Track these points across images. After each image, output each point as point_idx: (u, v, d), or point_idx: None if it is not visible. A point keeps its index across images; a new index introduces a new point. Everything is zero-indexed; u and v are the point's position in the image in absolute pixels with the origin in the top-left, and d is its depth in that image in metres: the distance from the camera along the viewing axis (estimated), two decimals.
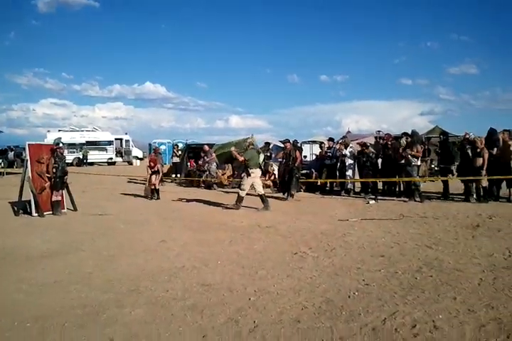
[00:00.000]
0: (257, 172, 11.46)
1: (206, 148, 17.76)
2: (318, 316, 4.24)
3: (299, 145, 18.24)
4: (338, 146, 14.71)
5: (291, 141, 14.41)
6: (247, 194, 11.48)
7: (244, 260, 6.33)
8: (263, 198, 11.28)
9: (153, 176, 13.97)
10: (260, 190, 11.38)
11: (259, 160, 12.58)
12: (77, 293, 5.00)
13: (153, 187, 13.88)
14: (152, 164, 14.27)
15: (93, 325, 4.12)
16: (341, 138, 17.15)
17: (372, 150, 13.92)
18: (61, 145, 14.61)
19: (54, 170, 10.72)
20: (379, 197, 12.85)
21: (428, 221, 9.25)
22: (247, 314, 4.31)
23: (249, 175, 11.31)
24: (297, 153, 13.68)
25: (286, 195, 13.39)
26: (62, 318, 4.27)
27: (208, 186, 17.02)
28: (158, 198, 13.74)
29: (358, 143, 14.82)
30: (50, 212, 10.66)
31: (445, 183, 12.79)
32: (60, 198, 10.90)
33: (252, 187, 11.48)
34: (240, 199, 11.33)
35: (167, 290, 5.05)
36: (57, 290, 5.12)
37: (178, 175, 20.20)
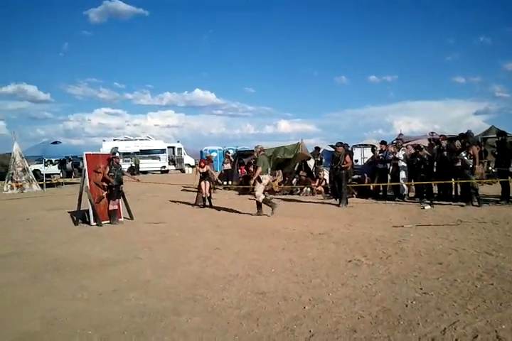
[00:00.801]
0: (266, 178, 11.95)
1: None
2: (375, 326, 4.17)
3: (349, 149, 18.06)
4: (391, 149, 14.39)
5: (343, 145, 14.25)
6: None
7: (298, 268, 6.31)
8: (260, 204, 11.71)
9: (203, 183, 13.83)
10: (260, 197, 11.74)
11: (269, 166, 12.87)
12: (135, 301, 5.13)
13: (204, 195, 13.91)
14: (202, 164, 14.31)
15: (152, 333, 4.21)
16: (394, 141, 16.84)
17: (427, 152, 13.54)
18: (117, 154, 15.01)
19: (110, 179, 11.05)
20: (434, 202, 12.50)
21: (487, 226, 8.93)
22: (302, 323, 4.29)
23: (260, 181, 11.65)
24: (347, 157, 13.46)
25: (338, 201, 13.25)
26: (121, 326, 4.39)
27: None
28: (210, 206, 13.76)
29: (411, 146, 14.50)
30: (108, 221, 10.98)
31: (504, 186, 12.27)
32: (116, 207, 11.22)
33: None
34: (259, 205, 11.70)
35: (222, 299, 5.10)
36: (117, 298, 5.26)
37: (230, 182, 20.36)
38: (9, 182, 22.16)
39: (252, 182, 12.05)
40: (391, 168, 14.20)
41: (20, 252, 7.91)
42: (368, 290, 5.19)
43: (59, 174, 31.84)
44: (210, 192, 14.09)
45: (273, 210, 11.41)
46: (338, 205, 12.98)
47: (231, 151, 25.36)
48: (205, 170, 14.10)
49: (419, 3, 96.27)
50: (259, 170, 11.60)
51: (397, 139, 17.98)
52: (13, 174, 22.25)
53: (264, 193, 12.14)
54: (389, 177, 14.36)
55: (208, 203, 13.89)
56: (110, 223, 10.92)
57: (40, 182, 23.12)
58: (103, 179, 11.09)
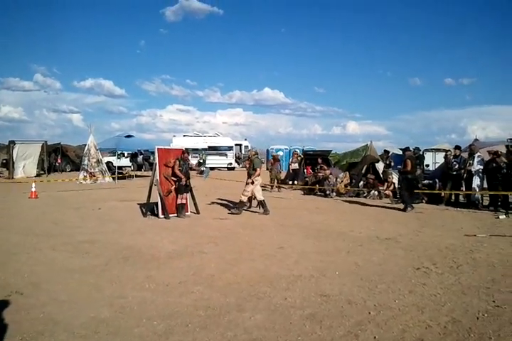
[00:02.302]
0: (259, 180, 12.17)
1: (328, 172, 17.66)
2: (443, 337, 4.02)
3: (420, 153, 17.52)
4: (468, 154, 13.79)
5: (411, 149, 13.87)
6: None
7: (363, 272, 6.19)
8: (263, 204, 12.03)
9: (249, 186, 12.10)
10: (260, 197, 12.08)
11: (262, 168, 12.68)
12: (200, 295, 5.22)
13: (261, 198, 12.32)
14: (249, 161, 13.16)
15: (215, 327, 4.25)
16: (468, 146, 16.15)
17: (504, 159, 12.87)
18: None
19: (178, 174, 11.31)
20: (510, 212, 11.89)
21: None
22: (366, 328, 4.20)
23: (253, 183, 11.86)
24: (407, 161, 13.04)
25: (403, 205, 12.91)
26: (186, 318, 4.47)
27: (325, 194, 16.90)
28: (265, 211, 12.12)
29: (488, 152, 13.84)
30: (175, 215, 11.24)
31: None
32: (184, 201, 11.45)
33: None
34: (241, 204, 12.03)
35: (285, 298, 5.08)
36: (182, 291, 5.37)
37: (296, 182, 20.29)
38: (83, 172, 23.15)
39: (250, 181, 11.92)
40: (465, 174, 13.62)
41: (93, 240, 8.24)
42: (436, 300, 5.02)
43: (130, 167, 32.90)
44: (252, 193, 12.57)
45: (264, 212, 11.86)
46: (403, 210, 12.64)
47: (298, 151, 25.16)
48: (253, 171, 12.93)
49: (495, 3, 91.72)
50: (258, 171, 11.89)
51: (471, 144, 17.23)
52: (87, 165, 23.22)
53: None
54: (463, 183, 13.77)
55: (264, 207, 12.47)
56: (178, 216, 11.17)
57: (113, 175, 24.01)
58: (173, 173, 11.35)
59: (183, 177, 11.24)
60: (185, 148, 13.14)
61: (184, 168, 11.40)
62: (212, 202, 14.05)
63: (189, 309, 4.74)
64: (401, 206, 13.23)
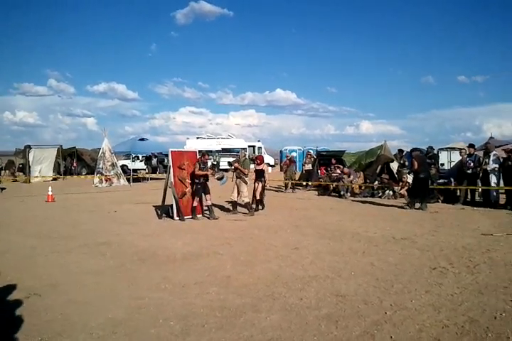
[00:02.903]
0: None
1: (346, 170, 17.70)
2: (460, 336, 4.00)
3: (434, 152, 17.41)
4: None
5: (420, 150, 13.90)
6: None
7: (379, 272, 6.17)
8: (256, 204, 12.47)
9: (256, 184, 13.00)
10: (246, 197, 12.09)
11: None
12: (216, 295, 5.24)
13: (258, 197, 12.98)
14: (259, 161, 13.44)
15: (231, 327, 4.27)
16: (484, 145, 15.99)
17: None
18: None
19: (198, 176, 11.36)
20: None
21: None
22: (383, 328, 4.18)
23: (246, 182, 12.05)
24: (413, 160, 12.96)
25: (408, 204, 13.00)
26: (202, 319, 4.50)
27: (340, 194, 16.84)
28: (262, 208, 12.99)
29: (503, 150, 13.70)
30: (190, 216, 11.28)
31: None
32: (209, 203, 11.43)
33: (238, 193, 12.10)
34: (249, 205, 12.08)
35: (301, 298, 5.08)
36: (198, 292, 5.39)
37: (309, 183, 20.25)
38: (99, 175, 23.35)
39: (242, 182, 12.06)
40: (481, 173, 13.48)
41: (109, 242, 8.32)
42: (453, 299, 4.98)
43: (145, 169, 33.09)
44: (261, 195, 13.11)
45: (248, 213, 11.84)
46: (407, 208, 12.85)
47: (311, 151, 25.11)
48: (260, 167, 13.27)
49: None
50: (247, 171, 12.09)
51: (486, 143, 17.05)
52: (102, 168, 23.42)
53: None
54: (478, 182, 13.63)
55: (260, 207, 13.07)
56: (192, 218, 11.22)
57: (128, 177, 24.18)
58: (192, 176, 11.39)
59: (209, 173, 11.56)
60: (203, 150, 13.27)
61: (204, 170, 11.43)
62: (227, 203, 14.06)
63: (205, 310, 4.76)
64: (416, 205, 13.15)
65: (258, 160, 13.63)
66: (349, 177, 17.30)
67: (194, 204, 11.36)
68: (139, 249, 7.73)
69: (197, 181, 11.30)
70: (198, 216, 11.47)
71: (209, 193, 11.47)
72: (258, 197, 12.93)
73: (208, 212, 11.57)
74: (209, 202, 11.43)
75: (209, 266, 6.60)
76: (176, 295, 5.29)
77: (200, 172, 11.22)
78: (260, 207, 13.07)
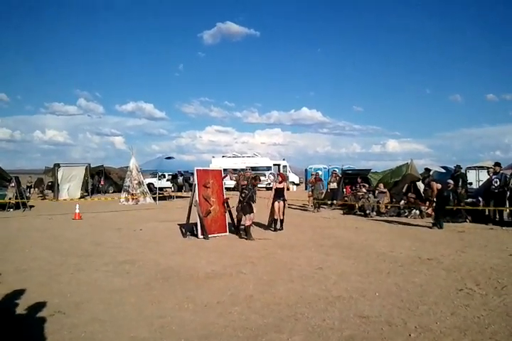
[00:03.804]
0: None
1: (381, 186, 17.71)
2: None
3: (462, 170, 17.18)
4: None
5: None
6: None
7: (404, 293, 6.07)
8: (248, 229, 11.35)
9: (276, 203, 12.51)
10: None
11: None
12: (238, 315, 5.22)
13: (276, 217, 12.56)
14: (281, 178, 12.93)
15: None
16: None
17: None
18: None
19: (243, 195, 11.45)
20: None
21: None
22: None
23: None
24: (432, 184, 13.10)
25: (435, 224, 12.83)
26: (224, 339, 4.49)
27: (365, 213, 16.67)
28: (281, 228, 12.54)
29: None
30: (214, 235, 11.30)
31: None
32: (250, 222, 11.35)
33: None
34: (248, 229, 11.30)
35: (324, 319, 5.03)
36: (220, 311, 5.38)
37: (335, 202, 20.12)
38: (125, 194, 23.65)
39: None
40: (508, 191, 13.22)
41: (134, 260, 8.38)
42: (480, 322, 4.87)
43: (171, 188, 33.37)
44: (283, 214, 12.67)
45: (244, 235, 11.26)
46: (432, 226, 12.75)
47: (337, 170, 24.98)
48: (281, 186, 12.71)
49: None
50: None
51: None
52: (129, 186, 23.74)
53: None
54: (506, 202, 13.36)
55: (278, 226, 12.66)
56: (246, 239, 11.01)
57: (154, 195, 24.42)
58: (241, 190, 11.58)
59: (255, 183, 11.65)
60: (236, 169, 13.41)
61: (250, 193, 11.44)
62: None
63: (227, 329, 4.74)
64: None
65: (281, 177, 13.17)
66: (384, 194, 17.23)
67: (247, 224, 11.22)
68: (162, 268, 7.77)
69: (241, 199, 11.39)
70: (225, 234, 11.51)
71: (250, 212, 11.37)
72: (282, 217, 12.63)
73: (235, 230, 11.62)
74: (248, 222, 11.26)
75: (232, 285, 6.59)
76: (199, 314, 5.29)
77: (242, 183, 11.59)
78: (279, 226, 12.66)
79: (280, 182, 12.80)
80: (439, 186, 12.88)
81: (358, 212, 17.28)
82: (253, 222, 11.89)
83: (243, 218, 11.29)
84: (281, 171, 41.09)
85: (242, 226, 11.52)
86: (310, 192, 20.04)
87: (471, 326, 4.73)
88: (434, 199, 13.02)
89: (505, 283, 6.47)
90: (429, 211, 15.25)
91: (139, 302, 5.76)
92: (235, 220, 11.98)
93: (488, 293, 6.02)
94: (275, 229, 12.55)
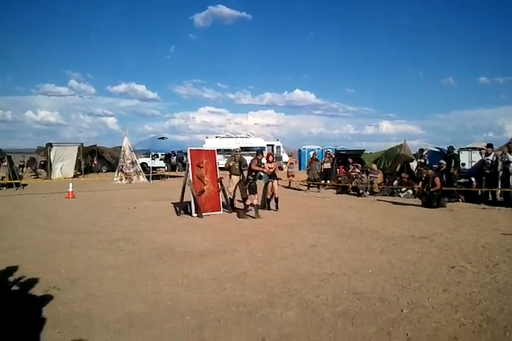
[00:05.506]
0: (236, 179, 12.74)
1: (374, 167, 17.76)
2: (477, 335, 3.96)
3: (455, 151, 17.23)
4: (501, 152, 13.48)
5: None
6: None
7: (397, 270, 6.12)
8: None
9: (270, 184, 12.47)
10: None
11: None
12: (232, 291, 5.26)
13: (268, 196, 12.66)
14: (271, 158, 12.45)
15: (247, 323, 4.29)
16: (505, 145, 15.73)
17: None
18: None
19: (253, 174, 11.55)
20: None
21: None
22: (399, 326, 4.16)
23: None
24: (436, 179, 13.28)
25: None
26: (218, 314, 4.52)
27: (359, 193, 16.73)
28: (276, 209, 12.40)
29: None
30: (208, 213, 11.33)
31: None
32: (256, 202, 11.29)
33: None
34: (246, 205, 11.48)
35: (317, 295, 5.07)
36: (214, 287, 5.42)
37: (328, 181, 20.16)
38: (119, 173, 23.62)
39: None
40: (501, 172, 13.28)
41: (128, 238, 8.40)
42: (471, 298, 4.93)
43: (164, 167, 33.36)
44: (274, 194, 12.56)
45: (242, 215, 11.20)
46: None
47: (330, 151, 24.98)
48: (272, 166, 12.28)
49: None
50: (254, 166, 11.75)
51: (509, 143, 16.76)
52: (122, 166, 23.75)
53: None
54: (499, 182, 13.43)
55: (272, 206, 12.59)
56: (253, 218, 11.00)
57: (147, 175, 24.41)
58: (250, 170, 11.61)
59: (267, 170, 11.94)
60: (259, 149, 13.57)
61: (259, 174, 11.66)
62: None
63: (221, 305, 4.78)
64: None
65: (270, 157, 12.74)
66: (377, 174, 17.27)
67: (254, 203, 11.18)
68: (157, 245, 7.79)
69: (251, 178, 11.39)
70: (219, 212, 11.57)
71: (256, 193, 11.35)
72: (277, 195, 12.58)
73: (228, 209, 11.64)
74: (255, 202, 11.25)
75: (226, 262, 6.62)
76: (193, 290, 5.32)
77: (256, 168, 11.54)
78: (274, 207, 12.57)
79: (270, 162, 12.42)
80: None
81: (352, 192, 17.33)
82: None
83: (250, 197, 11.25)
84: (275, 152, 41.04)
85: (245, 206, 11.41)
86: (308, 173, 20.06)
87: (463, 302, 4.79)
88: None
89: (496, 261, 6.53)
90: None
91: (134, 279, 5.79)
92: (241, 199, 12.32)
93: (479, 270, 6.08)
94: (268, 208, 12.53)
